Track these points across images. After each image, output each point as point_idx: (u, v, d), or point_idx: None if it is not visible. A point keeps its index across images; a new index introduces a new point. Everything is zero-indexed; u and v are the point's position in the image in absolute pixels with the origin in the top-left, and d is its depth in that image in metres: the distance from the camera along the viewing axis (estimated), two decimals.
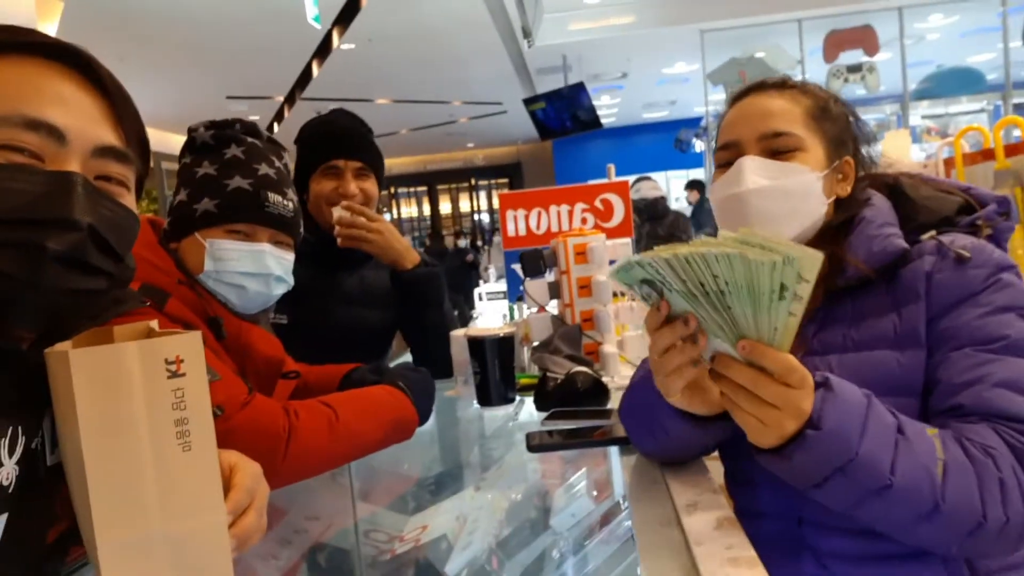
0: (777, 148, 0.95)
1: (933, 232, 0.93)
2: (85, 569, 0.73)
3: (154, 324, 0.72)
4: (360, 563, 1.32)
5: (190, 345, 0.60)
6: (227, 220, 1.06)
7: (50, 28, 4.68)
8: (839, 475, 0.72)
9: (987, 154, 2.38)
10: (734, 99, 1.03)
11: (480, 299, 3.45)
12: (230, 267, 1.05)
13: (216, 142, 1.10)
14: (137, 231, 0.69)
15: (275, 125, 9.97)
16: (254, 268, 1.07)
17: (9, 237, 0.57)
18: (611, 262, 1.48)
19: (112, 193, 0.66)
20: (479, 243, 12.17)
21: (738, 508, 1.00)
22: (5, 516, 0.58)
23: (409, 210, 15.85)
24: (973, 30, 7.76)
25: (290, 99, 8.75)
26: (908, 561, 0.84)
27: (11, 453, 0.59)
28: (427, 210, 15.56)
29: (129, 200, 0.69)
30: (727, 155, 0.99)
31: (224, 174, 1.08)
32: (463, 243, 10.99)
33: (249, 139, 1.13)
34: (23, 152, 0.60)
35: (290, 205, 1.12)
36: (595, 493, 1.27)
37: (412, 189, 15.26)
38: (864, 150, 1.02)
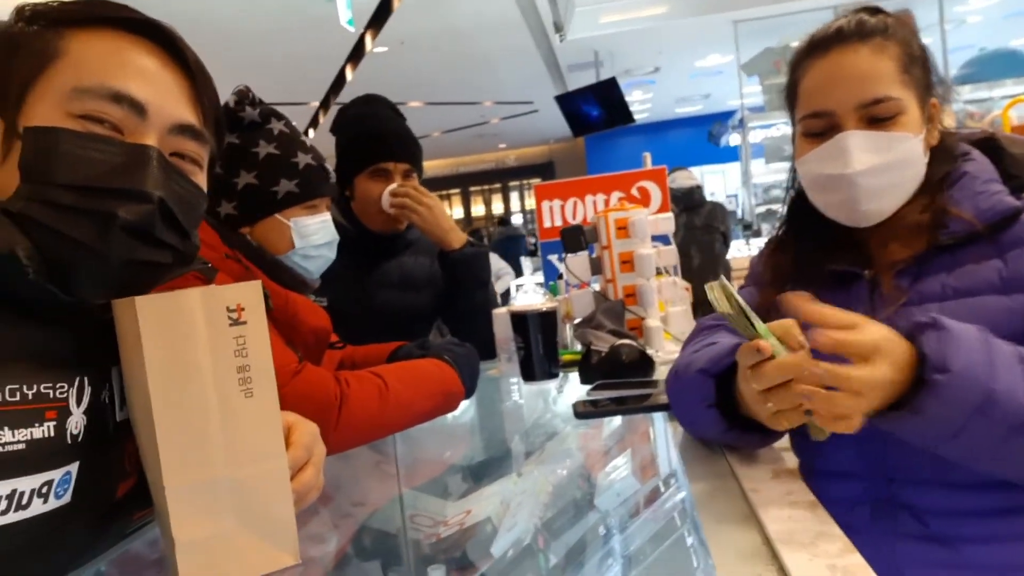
0: (878, 115, 0.89)
1: None
2: (148, 527, 0.75)
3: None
4: (407, 546, 1.34)
5: (251, 293, 0.62)
6: (308, 197, 1.12)
7: None
8: (978, 417, 0.67)
9: None
10: (811, 51, 0.94)
11: (516, 291, 3.43)
12: (313, 241, 1.13)
13: (263, 119, 1.14)
14: (204, 208, 0.70)
15: (311, 131, 10.12)
16: (329, 237, 1.16)
17: (82, 204, 0.58)
18: (653, 237, 1.47)
19: (185, 171, 0.67)
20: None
21: (810, 469, 0.95)
22: (76, 464, 0.60)
23: None
24: (1016, 11, 7.53)
25: (325, 104, 8.86)
26: (1010, 516, 0.80)
27: (79, 403, 0.61)
28: (460, 212, 15.61)
29: (201, 179, 0.71)
30: (819, 124, 0.92)
31: (287, 151, 1.12)
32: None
33: (278, 110, 1.18)
34: (104, 124, 0.62)
35: (331, 169, 1.19)
36: (640, 472, 1.26)
37: (445, 192, 15.31)
38: (935, 79, 0.96)
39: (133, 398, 0.64)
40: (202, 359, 0.59)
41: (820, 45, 0.93)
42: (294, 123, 1.21)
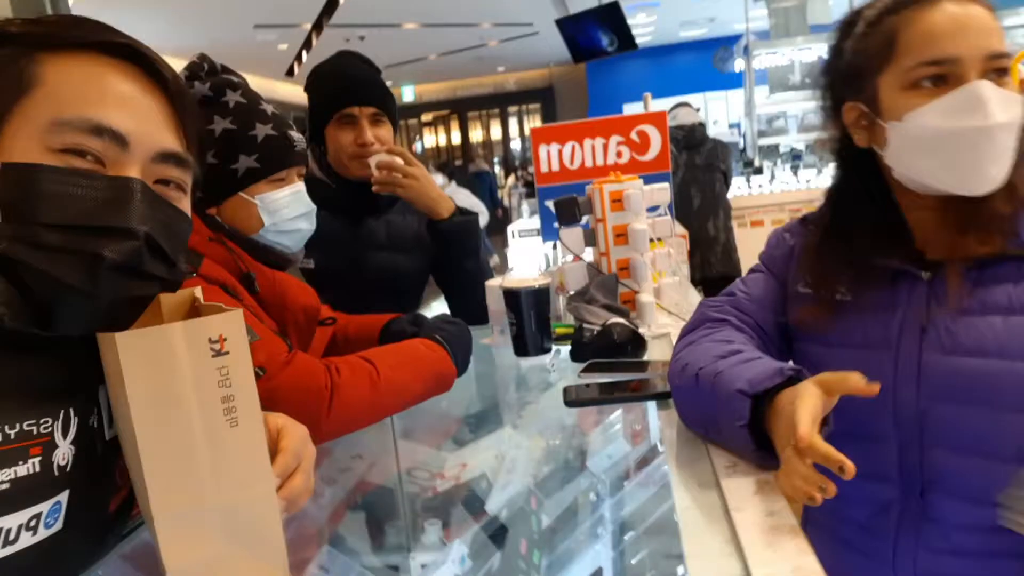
0: (999, 71, 0.81)
1: None
2: (143, 527, 0.77)
3: (197, 291, 0.73)
4: (404, 501, 1.37)
5: (232, 323, 0.61)
6: (270, 172, 1.07)
7: None
8: None
9: None
10: (915, 1, 0.85)
11: (513, 237, 3.41)
12: (284, 215, 1.08)
13: (215, 92, 1.08)
14: (190, 233, 0.69)
15: (303, 53, 9.83)
16: (303, 209, 1.11)
17: (68, 244, 0.57)
18: (649, 208, 1.45)
19: (170, 198, 0.66)
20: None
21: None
22: (66, 492, 0.61)
23: (436, 138, 15.66)
24: None
25: (318, 25, 8.58)
26: None
27: (65, 434, 0.61)
28: (457, 138, 15.36)
29: (185, 204, 0.69)
30: (939, 71, 0.82)
31: (244, 125, 1.07)
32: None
33: (235, 79, 1.11)
34: (86, 157, 0.60)
35: (300, 135, 1.13)
36: (631, 435, 1.28)
37: (442, 114, 15.03)
38: None
39: (121, 425, 0.64)
40: (186, 392, 0.59)
41: None
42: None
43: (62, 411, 0.60)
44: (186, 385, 0.59)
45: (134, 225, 0.59)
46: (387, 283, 1.57)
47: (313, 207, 1.13)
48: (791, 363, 0.83)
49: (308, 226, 1.13)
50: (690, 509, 0.76)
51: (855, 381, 0.73)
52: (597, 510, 1.17)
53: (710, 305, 1.06)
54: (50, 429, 0.59)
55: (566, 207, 1.41)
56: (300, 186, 1.11)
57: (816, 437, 0.68)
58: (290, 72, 10.17)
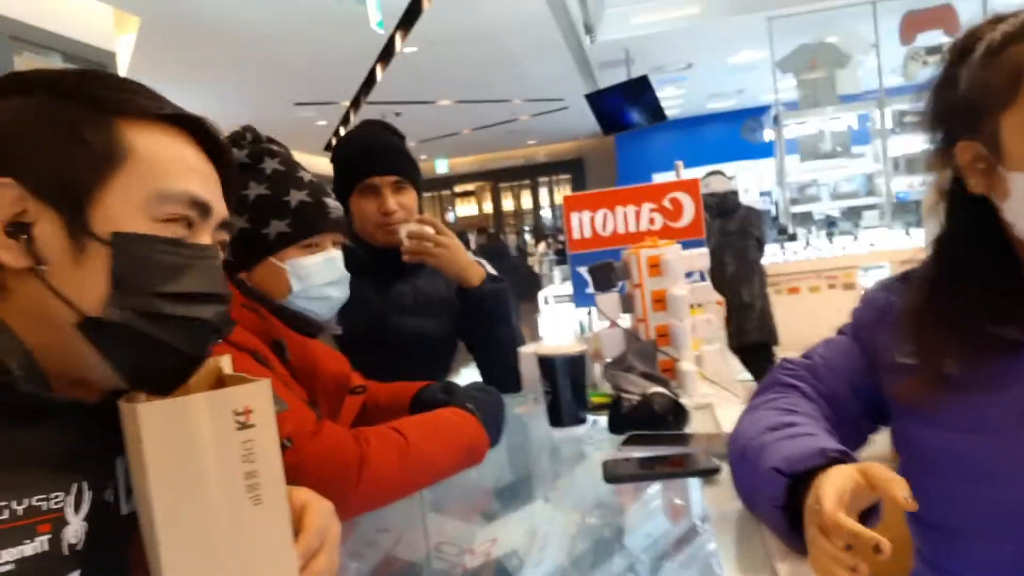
0: None
1: None
2: None
3: (225, 360, 0.71)
4: None
5: (259, 395, 0.59)
6: (301, 237, 1.07)
7: (127, 41, 4.87)
8: None
9: None
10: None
11: (546, 302, 3.40)
12: (314, 281, 1.07)
13: (252, 160, 1.09)
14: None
15: (341, 129, 10.17)
16: (334, 276, 1.10)
17: (179, 311, 0.60)
18: (687, 274, 1.42)
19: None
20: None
21: (936, 525, 0.82)
22: (78, 572, 0.57)
23: (469, 208, 15.92)
24: None
25: (355, 103, 8.90)
26: None
27: (77, 510, 0.58)
28: (489, 207, 15.61)
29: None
30: None
31: (278, 191, 1.08)
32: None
33: (275, 147, 1.13)
34: (181, 228, 0.63)
35: (336, 203, 1.14)
36: (671, 512, 1.21)
37: (474, 187, 15.33)
38: None
39: (139, 502, 0.61)
40: (208, 467, 0.56)
41: None
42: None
43: (74, 485, 0.58)
44: (208, 460, 0.56)
45: (221, 290, 0.64)
46: (414, 348, 1.55)
47: (346, 275, 1.12)
48: (840, 446, 0.76)
49: (339, 294, 1.12)
50: None
51: (896, 489, 0.64)
52: None
53: (784, 368, 0.96)
54: (61, 504, 0.56)
55: (601, 272, 1.39)
56: (334, 253, 1.11)
57: (841, 515, 0.62)
58: (328, 147, 10.53)
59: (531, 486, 1.50)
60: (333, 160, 1.63)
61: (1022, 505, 0.74)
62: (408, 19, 5.86)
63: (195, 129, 0.66)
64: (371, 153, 1.56)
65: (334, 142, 10.22)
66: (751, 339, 3.88)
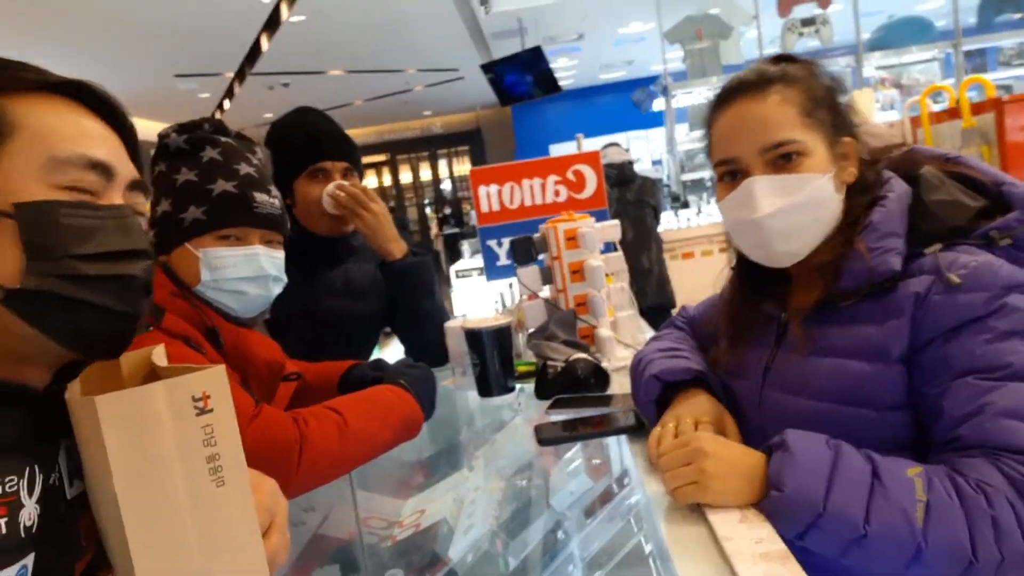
0: (781, 158, 0.91)
1: (937, 247, 0.88)
2: None
3: (159, 351, 0.71)
4: (363, 552, 1.33)
5: (216, 380, 0.59)
6: (217, 226, 1.05)
7: None
8: (814, 529, 0.74)
9: (953, 112, 2.41)
10: (718, 103, 0.99)
11: (455, 276, 3.41)
12: (227, 274, 1.04)
13: (191, 146, 1.08)
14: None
15: (226, 102, 9.69)
16: (251, 272, 1.06)
17: (103, 271, 0.60)
18: (604, 245, 1.48)
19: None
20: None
21: None
22: (32, 555, 0.58)
23: (368, 182, 15.56)
24: None
25: (240, 75, 8.49)
26: None
27: (31, 493, 0.58)
28: (388, 180, 15.34)
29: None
30: (729, 171, 0.96)
31: (206, 179, 1.06)
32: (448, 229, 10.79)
33: (223, 139, 1.10)
34: (84, 192, 0.62)
35: (276, 202, 1.11)
36: (593, 469, 1.28)
37: (372, 160, 14.99)
38: (848, 114, 0.98)
39: (97, 492, 0.61)
40: (169, 454, 0.57)
41: (725, 97, 0.97)
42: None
43: (27, 468, 0.58)
44: (170, 446, 0.57)
45: (143, 246, 0.64)
46: (341, 329, 1.55)
47: (268, 274, 1.08)
48: (702, 367, 1.05)
49: (256, 291, 1.07)
50: (680, 541, 0.77)
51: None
52: (565, 548, 1.16)
53: (680, 315, 1.26)
54: (16, 487, 0.56)
55: (522, 246, 1.43)
56: (259, 250, 1.07)
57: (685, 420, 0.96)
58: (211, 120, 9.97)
59: (458, 456, 1.53)
60: (272, 144, 1.57)
61: (761, 427, 0.95)
62: None
63: (84, 96, 0.66)
64: (321, 138, 1.54)
65: (217, 116, 9.74)
66: (650, 303, 4.05)
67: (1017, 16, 6.17)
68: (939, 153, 0.99)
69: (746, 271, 1.05)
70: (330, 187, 1.49)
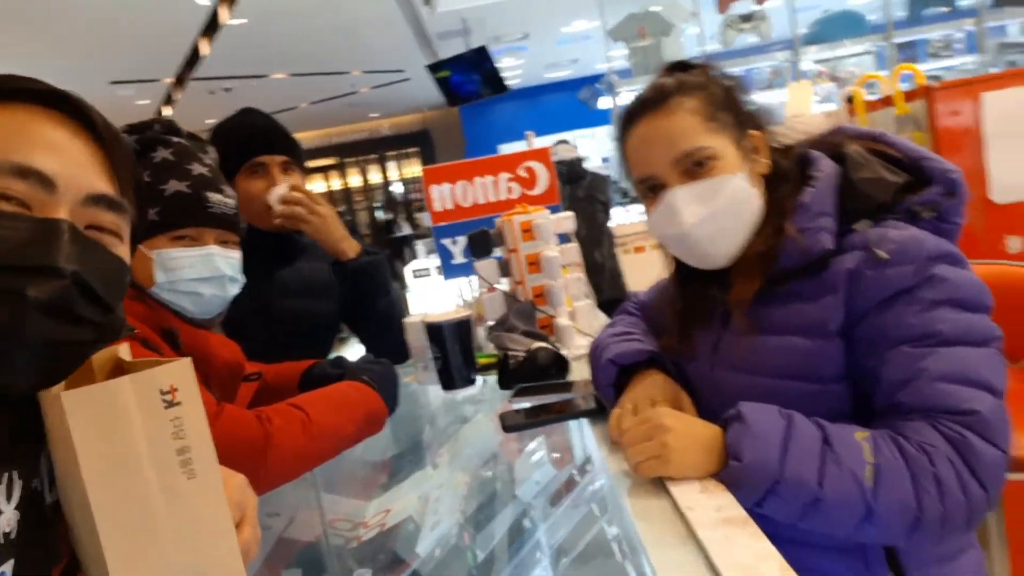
0: (694, 165, 0.95)
1: (866, 223, 0.92)
2: None
3: (124, 347, 0.70)
4: (330, 553, 1.32)
5: (183, 372, 0.59)
6: (170, 227, 1.04)
7: None
8: (771, 496, 0.78)
9: (887, 100, 2.51)
10: (626, 124, 1.02)
11: (412, 276, 3.40)
12: (182, 275, 1.03)
13: (141, 147, 1.06)
14: (128, 279, 0.67)
15: (166, 109, 9.45)
16: (206, 272, 1.05)
17: None
18: (559, 237, 1.51)
19: (104, 242, 0.64)
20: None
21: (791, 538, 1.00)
22: (11, 563, 0.56)
23: (316, 186, 15.36)
24: None
25: (179, 80, 8.29)
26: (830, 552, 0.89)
27: (8, 498, 0.57)
28: (337, 184, 15.14)
29: (122, 250, 0.67)
30: (648, 186, 0.99)
31: (158, 179, 1.04)
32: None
33: (175, 139, 1.09)
34: (11, 200, 0.58)
35: (231, 202, 1.11)
36: (556, 458, 1.30)
37: (319, 163, 14.78)
38: (753, 108, 1.02)
39: (67, 490, 0.60)
40: (138, 448, 0.56)
41: (631, 118, 1.01)
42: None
43: (5, 474, 0.56)
44: (139, 440, 0.56)
45: (60, 264, 0.56)
46: (296, 329, 1.54)
47: (224, 274, 1.07)
48: (655, 348, 1.08)
49: (212, 292, 1.07)
50: (645, 515, 0.79)
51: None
52: (532, 536, 1.18)
53: (631, 301, 1.29)
54: None
55: (480, 240, 1.44)
56: (214, 250, 1.06)
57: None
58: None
59: (421, 454, 1.54)
60: (214, 144, 1.56)
61: (713, 404, 0.97)
62: None
63: (55, 104, 0.63)
64: (258, 133, 1.53)
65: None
66: (605, 297, 4.10)
67: (945, 9, 6.42)
68: (864, 131, 1.02)
69: (684, 271, 1.09)
70: (274, 197, 1.47)
